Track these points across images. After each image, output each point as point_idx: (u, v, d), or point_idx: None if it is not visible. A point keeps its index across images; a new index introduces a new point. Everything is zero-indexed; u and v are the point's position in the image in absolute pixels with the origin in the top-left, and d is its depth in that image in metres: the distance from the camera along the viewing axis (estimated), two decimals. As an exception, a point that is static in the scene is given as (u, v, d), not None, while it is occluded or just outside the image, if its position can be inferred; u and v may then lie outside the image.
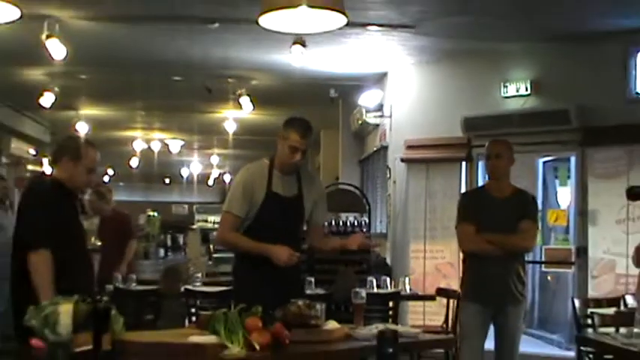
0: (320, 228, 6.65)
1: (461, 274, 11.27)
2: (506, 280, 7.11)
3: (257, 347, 4.49)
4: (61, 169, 5.91)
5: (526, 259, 7.61)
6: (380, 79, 14.26)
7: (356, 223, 13.32)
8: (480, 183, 11.99)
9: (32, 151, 20.37)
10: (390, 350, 3.56)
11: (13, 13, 5.09)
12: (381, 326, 5.33)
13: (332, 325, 5.20)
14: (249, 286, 6.07)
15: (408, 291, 10.72)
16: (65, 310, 4.25)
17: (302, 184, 6.27)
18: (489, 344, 7.35)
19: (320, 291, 10.30)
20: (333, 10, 5.11)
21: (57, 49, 10.89)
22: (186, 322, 9.82)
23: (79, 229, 6.10)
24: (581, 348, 8.71)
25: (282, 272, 6.02)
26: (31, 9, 9.55)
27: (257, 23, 5.29)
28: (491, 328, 7.34)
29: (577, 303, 9.07)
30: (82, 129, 17.66)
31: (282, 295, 5.41)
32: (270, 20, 5.24)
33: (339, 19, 5.23)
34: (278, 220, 6.09)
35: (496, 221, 7.15)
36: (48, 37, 10.68)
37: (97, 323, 4.18)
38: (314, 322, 5.03)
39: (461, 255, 11.31)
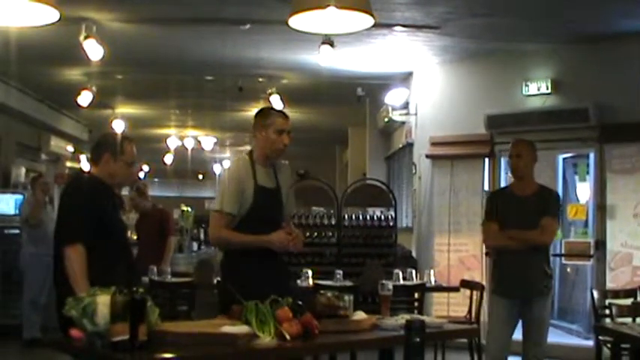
0: (288, 219, 6.54)
1: (485, 268, 11.64)
2: (531, 273, 7.33)
3: (287, 337, 4.58)
4: (103, 167, 5.89)
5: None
6: (406, 78, 14.44)
7: (382, 218, 13.52)
8: (503, 178, 12.27)
9: (70, 149, 20.47)
10: (418, 340, 3.56)
11: (53, 15, 5.08)
12: (406, 317, 5.46)
13: (360, 315, 5.28)
14: (239, 278, 5.85)
15: (432, 283, 10.80)
16: (103, 301, 4.30)
17: (277, 175, 6.26)
18: (517, 335, 7.56)
19: (348, 283, 10.40)
20: (360, 11, 5.25)
21: (94, 50, 11.11)
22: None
23: (120, 224, 6.13)
24: (600, 337, 8.83)
25: (271, 264, 6.08)
26: (70, 11, 9.83)
27: (287, 24, 5.52)
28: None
29: (595, 294, 9.26)
30: (119, 127, 17.73)
31: (272, 286, 5.41)
32: (299, 21, 5.39)
33: (367, 20, 5.39)
34: (267, 213, 6.07)
35: (519, 218, 7.37)
36: (86, 38, 10.92)
37: (133, 314, 4.17)
38: (342, 312, 5.14)
39: (484, 248, 11.67)
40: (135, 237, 12.23)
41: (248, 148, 22.01)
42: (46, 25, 5.37)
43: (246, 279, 5.85)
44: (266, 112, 6.29)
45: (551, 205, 7.51)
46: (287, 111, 15.58)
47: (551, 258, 7.74)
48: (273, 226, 6.01)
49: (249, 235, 5.99)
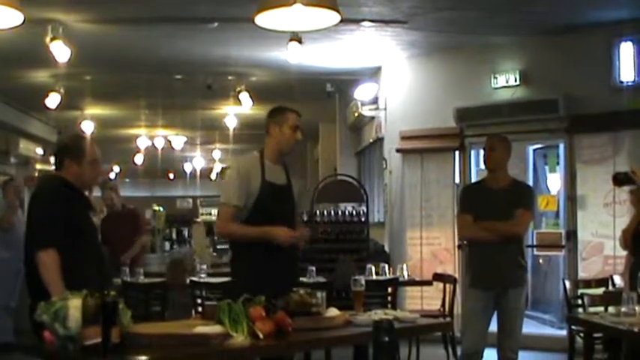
0: (299, 218, 6.73)
1: (458, 261, 11.69)
2: (505, 265, 7.40)
3: (261, 335, 4.63)
4: (67, 171, 5.89)
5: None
6: (374, 73, 14.46)
7: (354, 213, 13.54)
8: (473, 171, 12.33)
9: (40, 151, 20.36)
10: (387, 339, 3.52)
11: (16, 18, 5.10)
12: (380, 312, 5.58)
13: (333, 312, 5.33)
14: (247, 277, 6.04)
15: (405, 277, 10.83)
16: (74, 305, 4.30)
17: (289, 173, 6.43)
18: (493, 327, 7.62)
19: (321, 279, 10.40)
20: (326, 7, 5.30)
21: (61, 52, 11.03)
22: (193, 312, 9.85)
23: (90, 225, 6.11)
24: (572, 327, 8.91)
25: (279, 262, 6.13)
26: (36, 13, 9.80)
27: (254, 22, 5.54)
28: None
29: (568, 284, 9.38)
30: (88, 128, 17.74)
31: (280, 284, 5.59)
32: (266, 19, 5.41)
33: (333, 17, 5.43)
34: (275, 208, 6.13)
35: (493, 211, 7.45)
36: (52, 39, 10.85)
37: (105, 317, 4.20)
38: (315, 309, 5.17)
39: (456, 241, 11.72)
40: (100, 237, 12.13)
41: (219, 146, 21.79)
42: (10, 28, 5.37)
43: (255, 276, 5.99)
44: (280, 110, 6.47)
45: (525, 197, 7.62)
46: (257, 108, 15.57)
47: (525, 250, 7.76)
48: (283, 223, 6.11)
49: (254, 228, 6.09)
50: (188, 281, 10.58)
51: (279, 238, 6.02)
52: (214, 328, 4.64)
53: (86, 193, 6.35)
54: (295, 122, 6.32)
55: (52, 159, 6.35)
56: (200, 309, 9.34)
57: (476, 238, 7.70)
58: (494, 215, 7.45)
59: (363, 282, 6.00)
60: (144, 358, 4.21)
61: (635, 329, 5.72)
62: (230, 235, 6.42)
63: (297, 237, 6.18)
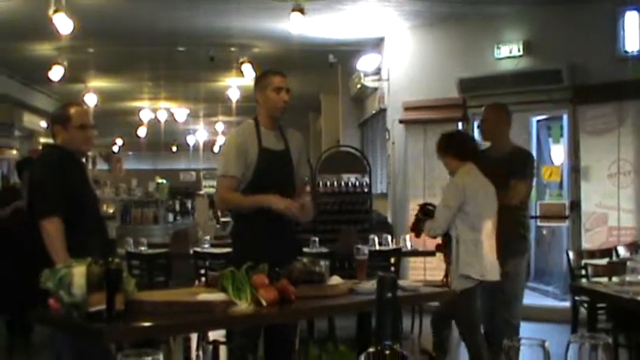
0: (302, 181, 6.66)
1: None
2: (503, 233, 7.29)
3: (264, 303, 4.62)
4: (58, 138, 5.94)
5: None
6: (377, 43, 14.41)
7: (357, 184, 13.55)
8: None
9: (43, 124, 20.41)
10: (390, 295, 3.45)
11: None
12: None
13: (336, 280, 5.31)
14: (249, 247, 6.00)
15: (408, 247, 10.83)
16: (79, 272, 4.30)
17: (286, 137, 6.33)
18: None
19: (324, 249, 10.46)
20: None
21: (64, 24, 10.99)
22: (196, 282, 9.73)
23: (90, 192, 6.14)
24: (576, 298, 8.94)
25: (280, 231, 6.10)
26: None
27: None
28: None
29: (571, 255, 9.36)
30: (91, 101, 17.78)
31: (282, 253, 5.54)
32: None
33: None
34: (274, 175, 6.11)
35: (491, 180, 7.32)
36: (55, 12, 10.78)
37: (109, 284, 4.20)
38: (318, 277, 5.17)
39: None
40: None
41: (221, 118, 21.79)
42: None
43: (255, 246, 5.94)
44: (262, 74, 6.42)
45: (521, 166, 7.57)
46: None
47: (528, 219, 7.75)
48: (283, 189, 6.05)
49: (251, 196, 6.05)
50: (191, 252, 10.64)
51: (274, 205, 5.94)
52: (218, 296, 4.63)
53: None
54: (278, 84, 6.18)
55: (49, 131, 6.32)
56: (203, 279, 9.37)
57: None
58: (492, 183, 7.36)
59: (365, 251, 5.98)
60: (148, 324, 4.26)
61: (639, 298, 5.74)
62: (229, 205, 6.42)
63: (296, 207, 6.04)
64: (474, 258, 7.04)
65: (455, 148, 7.33)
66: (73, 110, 6.02)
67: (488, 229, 7.23)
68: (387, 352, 1.89)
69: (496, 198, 7.36)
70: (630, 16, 10.90)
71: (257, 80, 6.41)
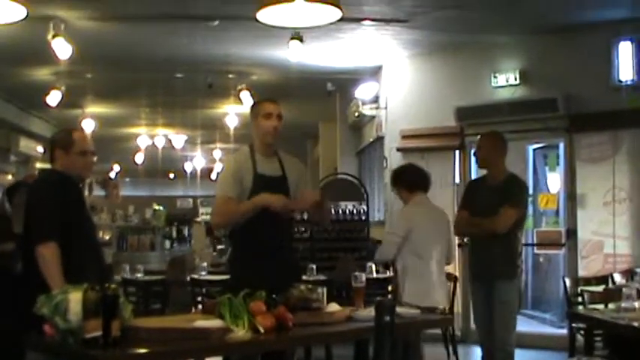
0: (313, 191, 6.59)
1: (458, 259, 11.78)
2: (492, 258, 7.46)
3: (261, 330, 4.58)
4: (58, 162, 5.94)
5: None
6: (375, 72, 14.42)
7: (355, 212, 13.56)
8: (474, 170, 12.34)
9: (40, 149, 20.36)
10: (388, 319, 3.46)
11: (19, 12, 5.14)
12: None
13: (333, 307, 5.28)
14: (246, 273, 6.01)
15: (406, 275, 10.85)
16: (75, 298, 4.26)
17: (283, 165, 6.31)
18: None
19: (321, 277, 10.49)
20: (328, 4, 5.36)
21: (62, 49, 11.05)
22: (193, 309, 9.90)
23: (87, 219, 6.10)
24: (573, 325, 8.97)
25: (278, 258, 6.10)
26: (37, 9, 9.71)
27: (256, 20, 5.54)
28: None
29: (568, 282, 9.38)
30: (88, 126, 17.73)
31: (280, 279, 5.50)
32: (267, 15, 5.48)
33: (334, 13, 5.50)
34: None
35: (485, 206, 7.53)
36: (54, 36, 10.83)
37: (106, 310, 4.16)
38: (316, 305, 5.14)
39: (457, 239, 11.76)
40: None
41: (219, 145, 21.74)
42: (13, 22, 5.38)
43: (253, 272, 5.95)
44: (255, 103, 6.53)
45: (510, 194, 7.60)
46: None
47: (524, 248, 7.79)
48: (278, 215, 6.01)
49: (247, 223, 6.04)
50: (188, 279, 10.63)
51: (272, 204, 5.95)
52: (215, 323, 4.60)
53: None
54: (267, 110, 6.20)
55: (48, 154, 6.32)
56: (200, 306, 9.34)
57: (467, 233, 8.15)
58: (483, 211, 7.55)
59: (363, 278, 5.92)
60: (145, 351, 4.21)
61: (635, 324, 5.75)
62: (226, 217, 6.30)
63: (294, 204, 6.12)
64: (419, 287, 7.26)
65: (406, 181, 7.83)
66: (76, 135, 6.03)
67: (436, 258, 7.52)
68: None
69: (450, 228, 7.78)
70: (624, 46, 10.98)
71: (251, 108, 6.45)
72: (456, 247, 12.12)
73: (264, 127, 6.18)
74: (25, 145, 19.45)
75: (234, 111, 18.05)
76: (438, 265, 7.53)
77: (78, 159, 5.95)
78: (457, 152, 12.69)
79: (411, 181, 7.84)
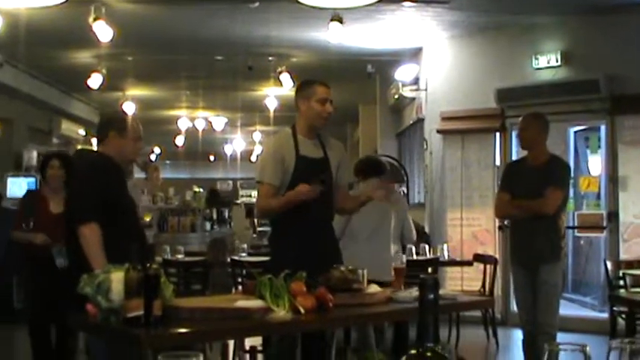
0: (344, 189, 6.62)
1: (498, 242, 11.74)
2: (536, 241, 7.39)
3: (302, 310, 4.59)
4: (109, 144, 5.97)
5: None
6: (415, 53, 14.40)
7: (395, 194, 13.55)
8: (514, 152, 12.29)
9: (82, 132, 20.50)
10: (432, 296, 3.44)
11: None
12: None
13: (374, 288, 5.27)
14: (287, 254, 5.98)
15: (446, 257, 10.87)
16: (117, 278, 4.31)
17: (325, 146, 6.29)
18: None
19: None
20: None
21: (103, 32, 11.07)
22: (233, 290, 9.90)
23: (129, 200, 6.16)
24: (614, 308, 8.90)
25: (319, 238, 6.12)
26: (79, -7, 9.83)
27: (296, 1, 5.54)
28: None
29: (609, 265, 9.35)
30: (129, 109, 17.80)
31: (320, 260, 5.54)
32: None
33: None
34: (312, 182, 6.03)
35: (528, 188, 7.48)
36: (95, 19, 10.85)
37: (147, 289, 4.17)
38: (356, 286, 5.14)
39: (497, 222, 11.73)
40: None
41: (259, 128, 21.84)
42: (55, 5, 5.40)
43: (294, 253, 5.93)
44: (307, 83, 6.36)
45: (556, 175, 7.59)
46: (297, 89, 15.35)
47: (564, 228, 7.74)
48: (321, 196, 5.97)
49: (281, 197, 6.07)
50: (228, 260, 10.66)
51: (305, 195, 5.93)
52: (256, 303, 4.60)
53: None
54: (323, 95, 6.16)
55: (96, 133, 6.40)
56: (240, 287, 9.37)
57: (509, 216, 8.04)
58: (526, 193, 7.50)
59: (404, 259, 6.00)
60: (186, 330, 4.25)
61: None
62: (265, 213, 6.42)
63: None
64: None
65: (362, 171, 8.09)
66: (131, 120, 6.16)
67: (365, 235, 7.65)
68: (429, 354, 1.89)
69: (389, 211, 7.88)
70: (669, 26, 10.87)
71: (300, 88, 6.36)
72: (496, 230, 12.15)
73: (319, 111, 6.15)
74: (67, 127, 19.60)
75: (273, 93, 18.06)
76: (368, 240, 7.65)
77: (130, 144, 6.04)
78: (497, 134, 12.64)
79: (366, 168, 8.18)
